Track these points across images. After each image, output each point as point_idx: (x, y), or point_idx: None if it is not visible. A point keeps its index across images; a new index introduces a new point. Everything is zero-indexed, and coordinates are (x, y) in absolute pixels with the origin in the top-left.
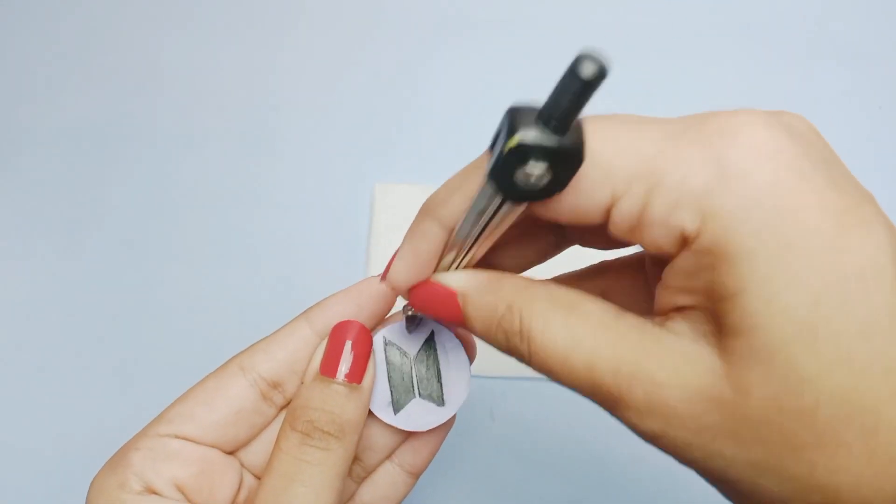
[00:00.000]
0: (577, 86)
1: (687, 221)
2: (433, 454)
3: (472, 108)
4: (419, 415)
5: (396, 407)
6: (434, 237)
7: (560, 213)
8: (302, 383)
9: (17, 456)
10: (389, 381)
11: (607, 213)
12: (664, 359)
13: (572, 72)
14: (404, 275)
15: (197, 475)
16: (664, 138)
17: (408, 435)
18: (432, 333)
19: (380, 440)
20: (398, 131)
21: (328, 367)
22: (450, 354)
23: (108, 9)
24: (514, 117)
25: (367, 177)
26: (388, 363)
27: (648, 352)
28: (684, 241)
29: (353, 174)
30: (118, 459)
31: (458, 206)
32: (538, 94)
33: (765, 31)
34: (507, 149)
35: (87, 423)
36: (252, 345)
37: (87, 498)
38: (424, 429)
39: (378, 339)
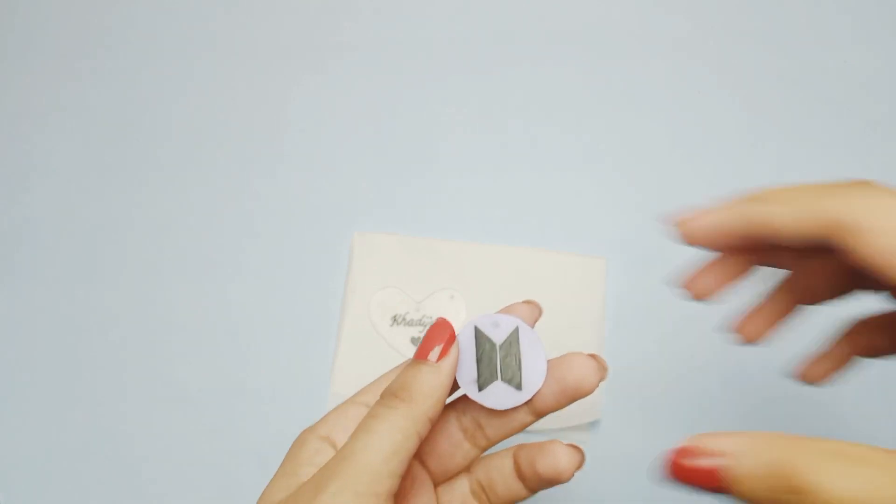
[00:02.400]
0: None
1: None
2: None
3: (449, 160)
4: (499, 395)
5: (481, 385)
6: None
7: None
8: None
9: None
10: (477, 363)
11: None
12: None
13: None
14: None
15: None
16: None
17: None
18: (517, 328)
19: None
20: (378, 181)
21: (419, 354)
22: (530, 348)
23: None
24: None
25: (347, 225)
26: (477, 348)
27: None
28: None
29: (333, 222)
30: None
31: None
32: (511, 142)
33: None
34: None
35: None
36: None
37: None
38: (502, 408)
39: (470, 327)
